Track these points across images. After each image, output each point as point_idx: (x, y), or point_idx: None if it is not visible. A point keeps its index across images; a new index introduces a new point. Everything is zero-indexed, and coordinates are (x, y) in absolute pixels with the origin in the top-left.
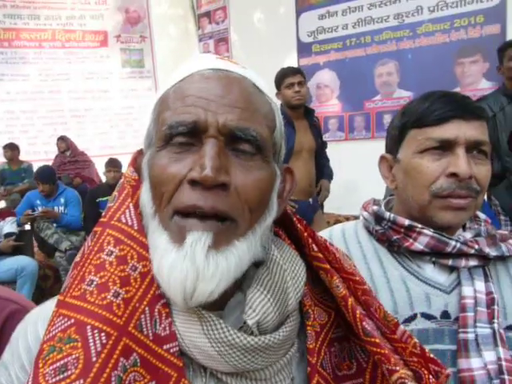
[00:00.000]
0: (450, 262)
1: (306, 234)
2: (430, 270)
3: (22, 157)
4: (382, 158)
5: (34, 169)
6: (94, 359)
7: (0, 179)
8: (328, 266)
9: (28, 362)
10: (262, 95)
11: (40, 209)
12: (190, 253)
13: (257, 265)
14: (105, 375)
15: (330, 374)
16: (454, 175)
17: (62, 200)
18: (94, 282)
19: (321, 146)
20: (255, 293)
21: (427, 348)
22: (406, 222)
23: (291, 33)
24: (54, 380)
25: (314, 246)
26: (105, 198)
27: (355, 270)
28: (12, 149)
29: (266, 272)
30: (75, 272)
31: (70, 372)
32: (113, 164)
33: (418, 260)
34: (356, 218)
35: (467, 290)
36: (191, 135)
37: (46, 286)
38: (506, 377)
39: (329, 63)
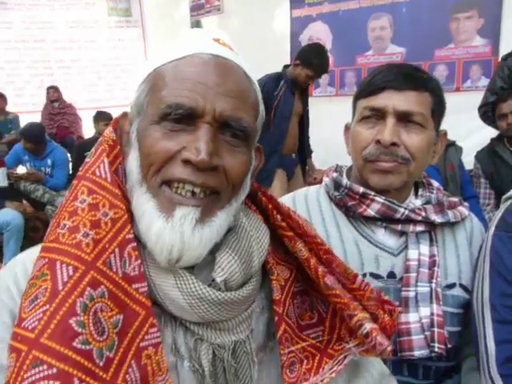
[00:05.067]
0: (399, 227)
1: (270, 206)
2: (381, 234)
3: (10, 108)
4: (346, 126)
5: (21, 120)
6: (60, 288)
7: None
8: (291, 234)
9: (16, 292)
10: (251, 84)
11: (28, 165)
12: (179, 226)
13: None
14: (70, 301)
15: (294, 323)
16: (379, 142)
17: (50, 161)
18: (67, 226)
19: (306, 122)
20: (224, 254)
21: None
22: (361, 189)
23: None
24: (28, 309)
25: (278, 216)
26: None
27: (316, 233)
28: (0, 97)
29: (234, 237)
30: (53, 221)
31: (39, 300)
32: (106, 117)
33: (371, 224)
34: None
35: (412, 253)
36: (187, 117)
37: (36, 238)
38: (436, 329)
39: (321, 15)
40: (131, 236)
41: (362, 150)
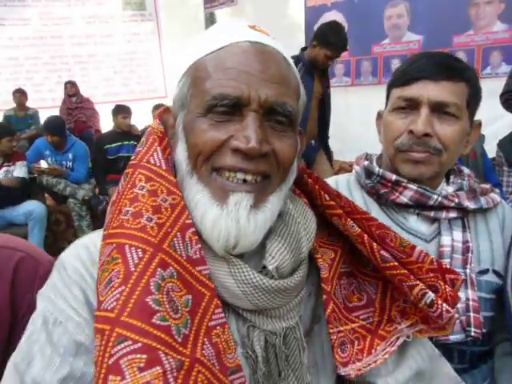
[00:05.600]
0: (431, 214)
1: (317, 187)
2: (413, 221)
3: (29, 104)
4: (378, 114)
5: (41, 116)
6: (133, 269)
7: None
8: (341, 211)
9: (86, 273)
10: (291, 68)
11: (49, 160)
12: (234, 213)
13: None
14: (143, 281)
15: (341, 303)
16: (412, 132)
17: (71, 155)
18: (130, 212)
19: (328, 105)
20: (273, 242)
21: None
22: (394, 177)
23: None
24: (104, 292)
25: (326, 195)
26: (113, 145)
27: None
28: (21, 93)
29: (282, 224)
30: (113, 208)
31: (113, 282)
32: (125, 110)
33: (403, 211)
34: None
35: (445, 240)
36: (232, 107)
37: (58, 230)
38: (472, 314)
39: (336, 4)
40: (190, 221)
41: (395, 140)
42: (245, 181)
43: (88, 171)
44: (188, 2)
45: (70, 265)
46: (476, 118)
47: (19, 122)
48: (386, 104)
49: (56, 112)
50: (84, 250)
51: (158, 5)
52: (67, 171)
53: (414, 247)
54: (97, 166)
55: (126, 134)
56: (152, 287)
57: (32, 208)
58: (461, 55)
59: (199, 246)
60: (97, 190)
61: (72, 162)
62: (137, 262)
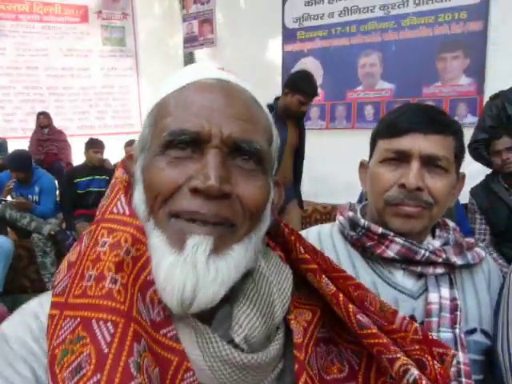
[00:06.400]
0: (418, 269)
1: (293, 238)
2: (399, 276)
3: None
4: (361, 164)
5: (9, 145)
6: (106, 351)
7: None
8: (316, 266)
9: (39, 350)
10: (261, 109)
11: (14, 194)
12: (191, 257)
13: (244, 274)
14: (121, 364)
15: (315, 376)
16: (403, 186)
17: (37, 189)
18: (92, 276)
19: (302, 153)
20: (241, 307)
21: None
22: (380, 229)
23: (277, 18)
24: (72, 382)
25: (301, 248)
26: (84, 179)
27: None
28: None
29: (252, 285)
30: (73, 271)
31: (85, 370)
32: (98, 145)
33: (389, 266)
34: (333, 206)
35: (433, 297)
36: (192, 144)
37: (19, 266)
38: (463, 379)
39: (313, 51)
40: (151, 277)
41: (384, 193)
42: (204, 223)
43: (55, 205)
44: (168, 40)
45: (16, 337)
46: None
47: None
48: (371, 155)
49: (26, 142)
50: (33, 320)
51: (137, 42)
52: (34, 205)
53: (395, 312)
54: (65, 200)
55: (97, 168)
56: (132, 369)
57: None
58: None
59: (162, 305)
60: (63, 225)
61: (38, 196)
62: (109, 340)
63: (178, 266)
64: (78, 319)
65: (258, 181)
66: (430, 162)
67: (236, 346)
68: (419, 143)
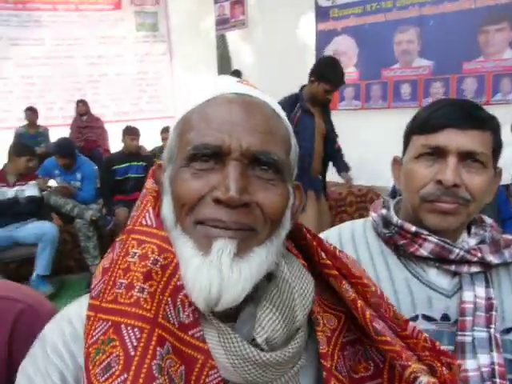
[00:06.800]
0: (452, 268)
1: (315, 243)
2: (433, 274)
3: (41, 122)
4: (395, 160)
5: (51, 133)
6: (132, 353)
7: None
8: (336, 273)
9: (67, 355)
10: (280, 120)
11: (58, 180)
12: (217, 260)
13: (268, 278)
14: (145, 366)
15: (345, 378)
16: (440, 182)
17: (79, 175)
18: (123, 284)
19: (333, 138)
20: (264, 310)
21: None
22: (413, 228)
23: None
24: (103, 378)
25: (322, 253)
26: (122, 166)
27: (364, 273)
28: (32, 111)
29: (275, 289)
30: (106, 278)
31: (114, 369)
32: (134, 132)
33: (422, 264)
34: (369, 188)
35: (467, 295)
36: (214, 156)
37: (64, 250)
38: (498, 380)
39: (347, 29)
40: (181, 282)
41: (420, 189)
42: (227, 228)
43: (96, 191)
44: (200, 24)
45: (52, 344)
46: None
47: (30, 139)
48: (404, 151)
49: (66, 130)
50: (67, 325)
51: (170, 26)
52: (76, 191)
53: (407, 321)
54: (104, 187)
55: (134, 155)
56: (154, 371)
57: (45, 229)
58: (470, 81)
59: (192, 308)
60: (104, 211)
61: (80, 182)
62: (135, 344)
63: (205, 267)
64: (110, 323)
65: (277, 188)
66: (467, 158)
67: (257, 345)
68: (456, 139)
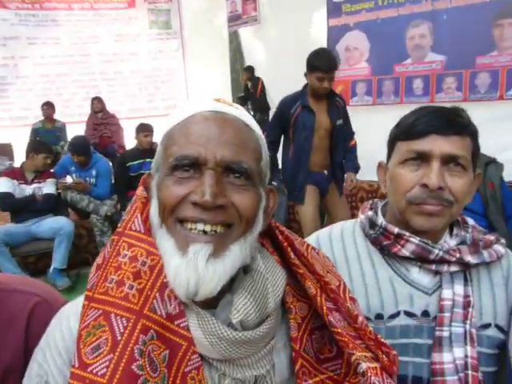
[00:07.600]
0: (433, 267)
1: (285, 244)
2: (415, 273)
3: (58, 119)
4: (380, 164)
5: (67, 130)
6: (119, 338)
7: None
8: (302, 271)
9: (64, 348)
10: (252, 132)
11: (74, 176)
12: (193, 261)
13: (245, 271)
14: (129, 349)
15: (312, 358)
16: (425, 185)
17: (94, 172)
18: (114, 280)
19: (345, 135)
20: (240, 297)
21: (408, 341)
22: (396, 230)
23: None
24: (92, 356)
25: (291, 253)
26: (135, 162)
27: (332, 270)
28: (49, 106)
29: (250, 280)
30: (99, 273)
31: (102, 349)
32: (148, 129)
33: (406, 263)
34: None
35: (446, 293)
36: (193, 166)
37: (80, 244)
38: (470, 372)
39: (359, 24)
40: (167, 280)
41: (406, 193)
42: (205, 232)
43: (111, 187)
44: (212, 20)
45: (53, 340)
46: (496, 141)
47: (46, 134)
48: (389, 156)
49: (82, 126)
50: (65, 323)
51: (183, 24)
52: (92, 187)
53: (357, 316)
54: (119, 183)
55: (148, 151)
56: (136, 354)
57: (62, 224)
58: (484, 76)
59: (177, 301)
60: (118, 206)
61: (95, 179)
62: (122, 331)
63: (183, 266)
64: (101, 311)
65: (249, 192)
66: (449, 162)
67: (233, 327)
68: (439, 144)
